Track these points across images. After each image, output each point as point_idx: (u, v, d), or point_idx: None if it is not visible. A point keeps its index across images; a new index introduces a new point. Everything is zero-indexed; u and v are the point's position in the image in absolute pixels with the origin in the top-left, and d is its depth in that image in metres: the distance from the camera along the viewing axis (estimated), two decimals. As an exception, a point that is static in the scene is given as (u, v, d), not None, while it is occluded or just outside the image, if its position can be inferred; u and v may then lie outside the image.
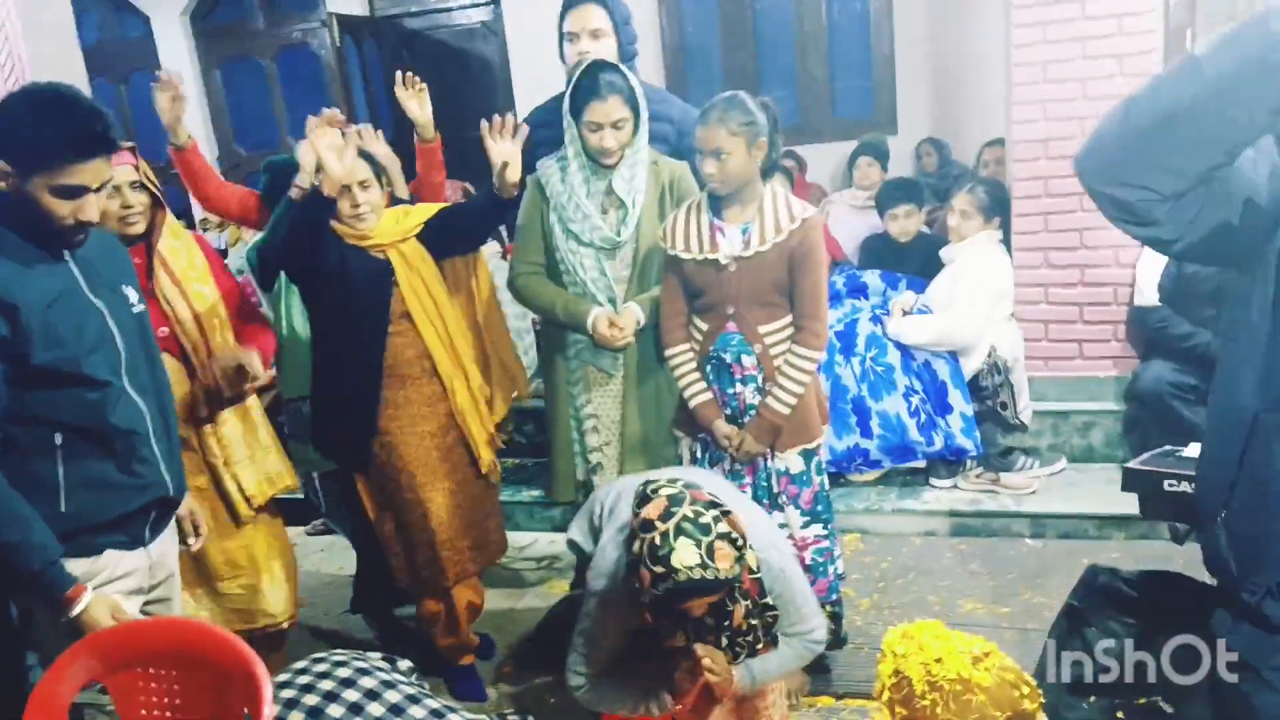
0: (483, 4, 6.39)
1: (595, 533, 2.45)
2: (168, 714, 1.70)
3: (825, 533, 2.61)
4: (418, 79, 3.00)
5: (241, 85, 6.87)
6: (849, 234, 4.70)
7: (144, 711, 1.69)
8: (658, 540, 1.88)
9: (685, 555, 1.86)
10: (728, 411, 2.55)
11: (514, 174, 2.52)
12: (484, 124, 2.52)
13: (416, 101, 3.01)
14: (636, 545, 1.94)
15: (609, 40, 2.88)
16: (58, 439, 1.88)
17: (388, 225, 2.63)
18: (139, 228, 2.42)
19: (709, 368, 2.56)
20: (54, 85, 1.88)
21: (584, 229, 2.68)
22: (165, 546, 2.17)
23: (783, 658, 2.24)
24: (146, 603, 2.11)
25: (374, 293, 2.60)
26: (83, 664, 1.68)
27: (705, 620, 2.09)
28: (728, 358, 2.53)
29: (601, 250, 2.70)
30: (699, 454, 2.64)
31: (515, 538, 3.91)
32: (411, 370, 2.66)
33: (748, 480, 2.57)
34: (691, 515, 1.90)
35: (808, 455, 2.56)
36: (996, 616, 2.98)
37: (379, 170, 2.63)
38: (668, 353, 2.61)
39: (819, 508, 2.59)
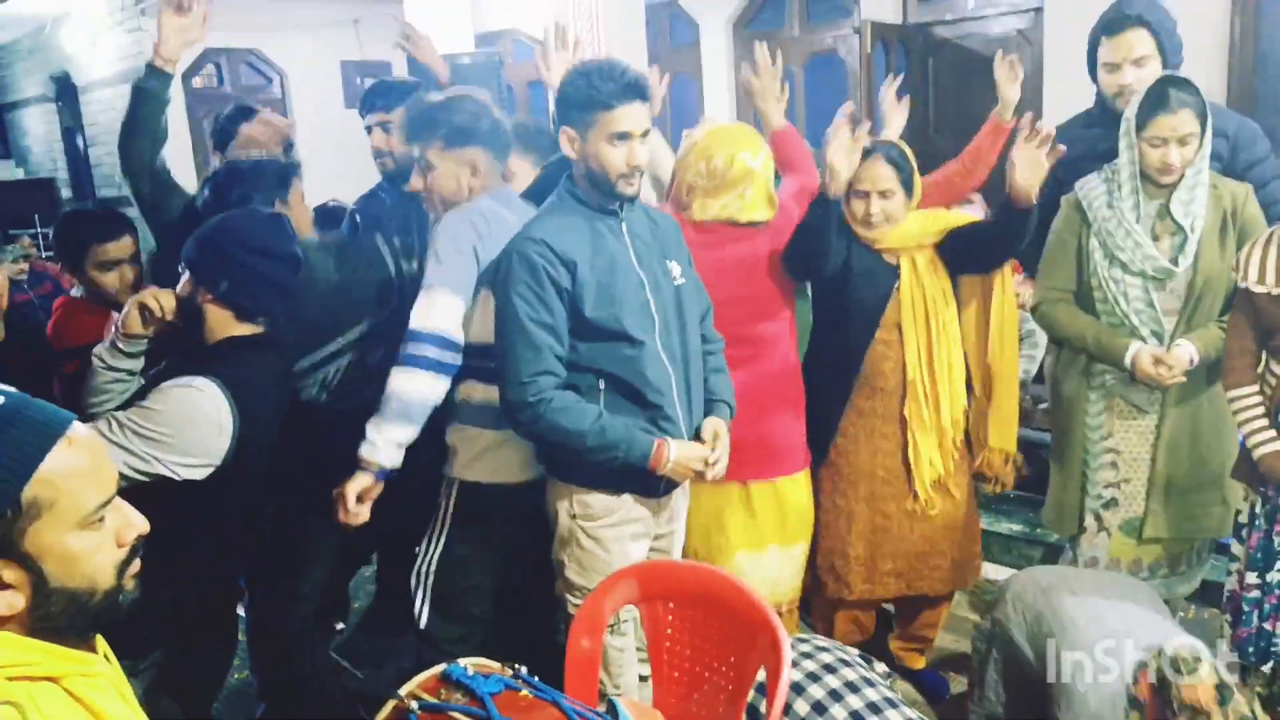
0: (1023, 11, 6.12)
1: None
2: (687, 650, 1.85)
3: None
4: (1015, 57, 2.89)
5: (769, 89, 7.26)
6: None
7: (668, 643, 1.86)
8: None
9: None
10: None
11: (1029, 181, 2.37)
12: (1017, 123, 2.40)
13: (1011, 81, 2.86)
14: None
15: (1154, 64, 2.63)
16: (600, 385, 2.14)
17: (908, 229, 2.61)
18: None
19: None
20: (594, 59, 2.24)
21: (1134, 256, 2.46)
22: (676, 501, 2.38)
23: None
24: (651, 549, 2.33)
25: (872, 295, 2.61)
26: (623, 587, 1.88)
27: None
28: None
29: (1151, 279, 2.47)
30: (1259, 508, 2.34)
31: (988, 570, 3.73)
32: (886, 383, 2.63)
33: None
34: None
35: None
36: None
37: (908, 177, 2.60)
38: (1230, 394, 2.34)
39: None
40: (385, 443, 2.15)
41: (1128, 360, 2.47)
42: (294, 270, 2.14)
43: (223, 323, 2.06)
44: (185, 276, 2.09)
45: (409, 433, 2.17)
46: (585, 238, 2.13)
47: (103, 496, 0.99)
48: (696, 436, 2.26)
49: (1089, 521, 2.67)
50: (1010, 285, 2.73)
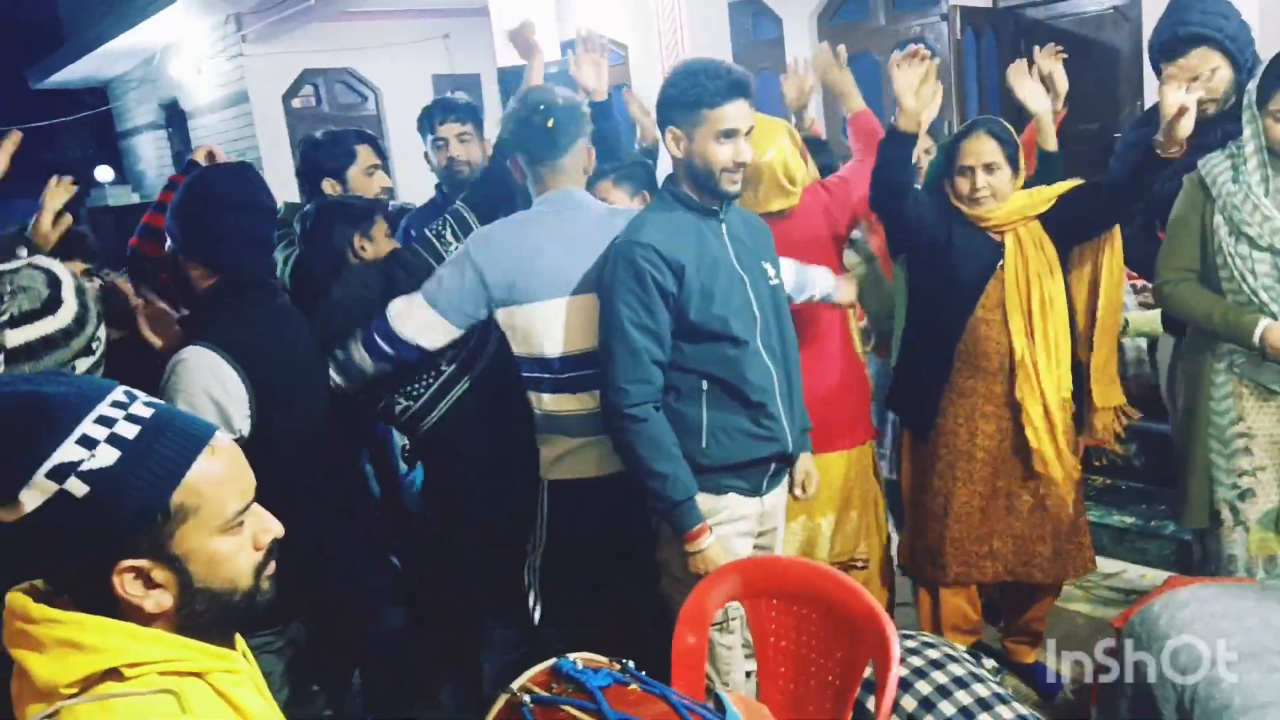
0: (1120, -12, 5.92)
1: None
2: (793, 646, 1.85)
3: None
4: (1059, 46, 2.84)
5: (856, 80, 7.17)
6: None
7: (773, 639, 1.86)
8: None
9: None
10: None
11: (1184, 128, 2.31)
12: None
13: (1054, 68, 2.83)
14: None
15: (1224, 72, 2.59)
16: (704, 386, 2.16)
17: (1014, 205, 2.56)
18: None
19: None
20: (694, 58, 2.21)
21: (1262, 230, 2.37)
22: (777, 500, 2.37)
23: None
24: (754, 546, 2.33)
25: (973, 272, 2.57)
26: (728, 582, 1.90)
27: None
28: None
29: None
30: None
31: (1101, 564, 3.63)
32: (987, 364, 2.59)
33: None
34: None
35: None
36: None
37: (1013, 153, 2.56)
38: None
39: None
40: None
41: (1256, 337, 2.37)
42: (264, 219, 2.12)
43: (202, 282, 2.07)
44: (168, 245, 2.13)
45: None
46: (691, 239, 2.14)
47: (242, 502, 1.05)
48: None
49: (1225, 514, 2.56)
50: (1119, 245, 2.65)
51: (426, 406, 2.47)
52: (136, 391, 1.03)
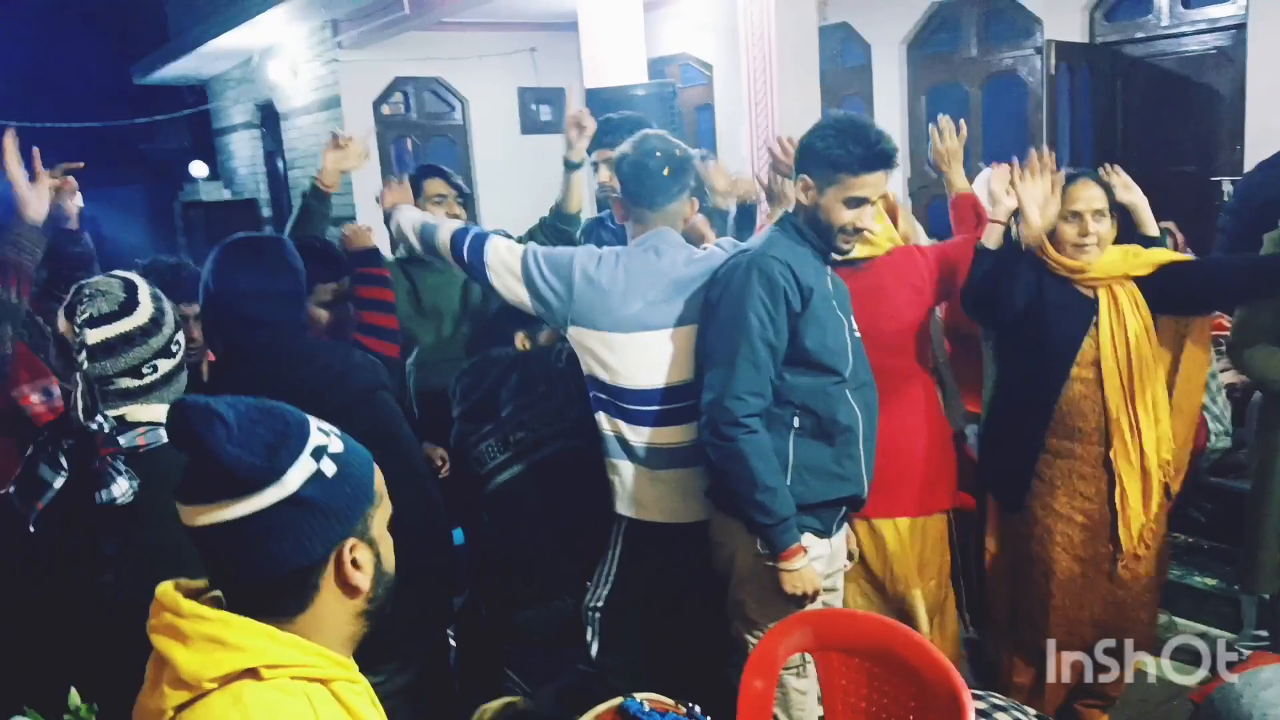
0: (1223, 28, 5.74)
1: None
2: (862, 702, 1.83)
3: None
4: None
5: (944, 110, 7.06)
6: None
7: (842, 694, 1.84)
8: None
9: None
10: None
11: None
12: None
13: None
14: None
15: None
16: (795, 421, 2.15)
17: (1111, 260, 2.49)
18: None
19: None
20: (849, 114, 2.21)
21: None
22: (841, 542, 2.37)
23: None
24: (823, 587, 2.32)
25: (1067, 330, 2.49)
26: (798, 633, 1.88)
27: None
28: None
29: None
30: None
31: (1179, 626, 3.51)
32: (1085, 424, 2.49)
33: None
34: None
35: None
36: None
37: (1114, 202, 2.51)
38: None
39: None
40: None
41: None
42: (267, 299, 2.00)
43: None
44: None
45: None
46: (812, 269, 2.17)
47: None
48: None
49: None
50: (1206, 325, 2.59)
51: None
52: None
